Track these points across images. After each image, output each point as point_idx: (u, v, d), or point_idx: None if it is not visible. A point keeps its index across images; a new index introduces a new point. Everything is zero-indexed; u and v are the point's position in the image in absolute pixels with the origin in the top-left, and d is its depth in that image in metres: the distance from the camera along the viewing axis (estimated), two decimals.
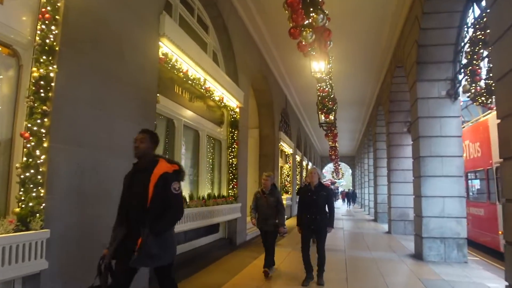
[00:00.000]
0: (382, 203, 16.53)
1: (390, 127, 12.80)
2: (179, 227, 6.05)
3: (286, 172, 18.92)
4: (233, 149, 8.98)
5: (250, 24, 9.97)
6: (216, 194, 8.35)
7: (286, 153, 19.05)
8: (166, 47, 5.51)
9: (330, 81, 9.21)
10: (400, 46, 9.98)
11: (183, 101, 6.85)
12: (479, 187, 10.35)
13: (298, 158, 22.77)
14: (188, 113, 7.01)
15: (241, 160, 9.27)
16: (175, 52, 5.73)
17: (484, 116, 10.33)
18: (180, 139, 6.65)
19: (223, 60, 9.06)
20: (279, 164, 16.81)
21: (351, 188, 46.31)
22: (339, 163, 40.98)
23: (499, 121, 4.07)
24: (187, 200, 6.62)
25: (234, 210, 8.75)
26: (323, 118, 11.21)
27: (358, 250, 9.27)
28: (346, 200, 35.88)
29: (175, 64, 5.88)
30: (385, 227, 14.45)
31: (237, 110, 9.12)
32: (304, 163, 26.77)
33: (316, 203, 5.68)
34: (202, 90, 7.24)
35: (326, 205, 5.83)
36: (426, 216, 8.01)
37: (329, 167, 51.56)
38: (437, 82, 8.25)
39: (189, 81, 6.55)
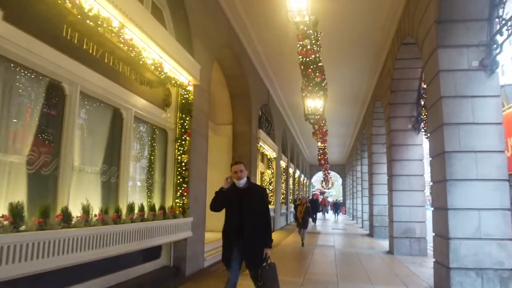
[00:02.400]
0: (379, 216, 14.18)
1: (391, 123, 10.43)
2: (95, 254, 3.51)
3: (268, 179, 16.40)
4: (184, 142, 6.45)
5: None
6: (158, 205, 5.83)
7: (269, 157, 16.56)
8: None
9: (318, 37, 6.53)
10: (410, 9, 7.64)
11: (85, 56, 4.30)
12: None
13: (283, 164, 20.28)
14: (95, 77, 4.42)
15: (195, 157, 6.74)
16: None
17: None
18: (74, 116, 4.11)
19: (171, 20, 6.60)
20: (259, 169, 14.32)
21: (340, 198, 45.22)
22: (329, 171, 38.60)
23: None
24: (89, 215, 4.06)
25: (182, 228, 6.17)
26: (309, 104, 8.54)
27: (356, 283, 6.76)
28: (334, 210, 34.88)
29: None
30: (384, 244, 12.02)
31: (190, 88, 6.63)
32: (291, 170, 24.27)
33: None
34: (122, 46, 4.73)
35: None
36: (454, 238, 5.57)
37: (318, 176, 49.17)
38: (466, 49, 5.89)
39: (90, 22, 4.04)
